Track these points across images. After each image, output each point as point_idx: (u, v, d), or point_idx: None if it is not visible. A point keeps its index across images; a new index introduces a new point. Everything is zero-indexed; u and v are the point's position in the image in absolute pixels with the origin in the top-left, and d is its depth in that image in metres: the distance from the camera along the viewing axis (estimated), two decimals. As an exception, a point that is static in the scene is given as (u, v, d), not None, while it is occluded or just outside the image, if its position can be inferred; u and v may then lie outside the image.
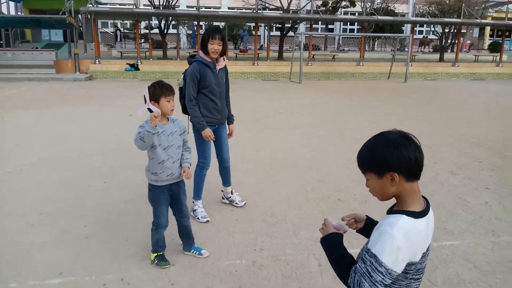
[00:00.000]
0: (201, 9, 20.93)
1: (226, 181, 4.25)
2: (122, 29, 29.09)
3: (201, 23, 22.62)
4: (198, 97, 3.77)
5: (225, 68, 3.92)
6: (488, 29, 36.19)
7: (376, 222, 1.54)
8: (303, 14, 24.53)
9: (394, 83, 18.48)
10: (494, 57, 25.90)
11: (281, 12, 23.73)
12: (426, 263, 1.44)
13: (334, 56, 24.28)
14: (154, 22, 25.65)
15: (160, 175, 2.86)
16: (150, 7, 22.39)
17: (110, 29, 31.51)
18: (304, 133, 7.83)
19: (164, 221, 2.98)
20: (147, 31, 27.90)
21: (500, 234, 3.72)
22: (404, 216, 1.35)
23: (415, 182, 1.41)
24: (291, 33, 25.41)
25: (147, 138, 2.68)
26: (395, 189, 1.40)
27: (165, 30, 22.41)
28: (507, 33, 29.72)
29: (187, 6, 29.41)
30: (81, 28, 20.95)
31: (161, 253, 3.07)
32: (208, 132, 3.70)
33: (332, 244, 1.52)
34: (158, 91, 2.79)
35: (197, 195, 3.96)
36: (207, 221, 3.83)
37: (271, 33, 27.94)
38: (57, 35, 31.30)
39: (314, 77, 19.99)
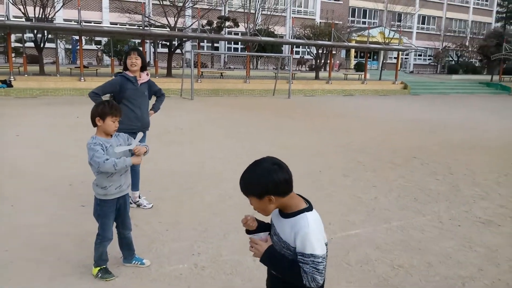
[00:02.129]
0: (82, 23, 19.97)
1: (134, 185, 4.47)
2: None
3: (83, 38, 21.51)
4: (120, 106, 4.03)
5: (148, 82, 4.42)
6: (353, 50, 41.05)
7: (263, 223, 1.82)
8: (190, 33, 25.02)
9: (279, 99, 19.93)
10: (360, 75, 29.54)
11: (168, 29, 23.85)
12: None
13: (221, 73, 25.15)
14: (28, 35, 23.59)
15: (109, 188, 2.93)
16: (23, 19, 20.57)
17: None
18: (209, 147, 8.16)
19: (110, 234, 3.03)
20: (18, 44, 25.52)
21: (390, 221, 4.52)
22: (306, 213, 1.66)
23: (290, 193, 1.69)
24: (178, 50, 25.64)
25: (120, 167, 2.82)
26: (275, 206, 1.67)
27: (42, 44, 20.79)
28: (369, 55, 34.18)
29: (64, 20, 27.65)
30: None
31: (104, 266, 3.11)
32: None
33: (273, 257, 1.67)
34: (107, 109, 2.87)
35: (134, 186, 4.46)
36: (152, 206, 4.63)
37: (158, 50, 27.78)
38: None
39: (205, 94, 20.49)
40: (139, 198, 4.64)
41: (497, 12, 54.33)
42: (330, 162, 7.24)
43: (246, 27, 28.70)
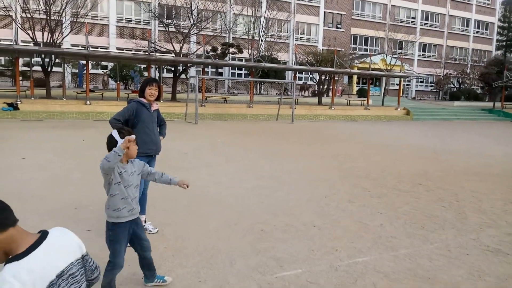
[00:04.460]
0: (90, 49, 20.36)
1: (141, 209, 4.47)
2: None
3: (90, 62, 21.89)
4: (135, 131, 4.13)
5: (157, 110, 4.65)
6: (355, 77, 41.51)
7: None
8: (195, 58, 25.43)
9: (282, 123, 20.04)
10: (362, 101, 29.76)
11: (174, 55, 24.27)
12: (76, 280, 1.60)
13: (226, 98, 25.41)
14: (36, 59, 24.01)
15: (122, 210, 2.95)
16: (31, 44, 20.99)
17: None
18: (213, 172, 8.17)
19: (121, 261, 3.01)
20: (26, 68, 25.97)
21: (398, 249, 4.48)
22: (6, 266, 1.42)
23: (11, 229, 1.46)
24: (182, 75, 26.01)
25: (112, 158, 2.74)
26: None
27: (49, 68, 21.13)
28: (371, 81, 34.53)
29: (72, 45, 28.19)
30: None
31: None
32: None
33: None
34: (128, 135, 2.94)
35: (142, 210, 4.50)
36: (157, 230, 4.66)
37: (163, 75, 28.20)
38: None
39: (209, 118, 20.64)
40: (145, 222, 4.67)
41: (497, 40, 55.16)
42: (335, 187, 7.22)
43: (250, 53, 29.15)
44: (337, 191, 6.96)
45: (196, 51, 27.94)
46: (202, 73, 24.65)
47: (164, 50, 25.82)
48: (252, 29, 33.19)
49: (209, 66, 33.91)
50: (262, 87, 35.75)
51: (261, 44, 33.39)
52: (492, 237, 4.97)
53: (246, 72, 34.98)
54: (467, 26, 51.68)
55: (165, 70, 30.13)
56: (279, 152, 11.06)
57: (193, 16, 25.25)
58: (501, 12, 56.37)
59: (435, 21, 49.36)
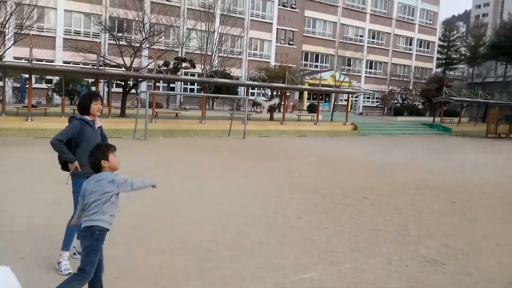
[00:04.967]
0: (33, 62, 19.49)
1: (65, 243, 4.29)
2: None
3: (33, 76, 20.94)
4: (79, 150, 4.08)
5: (101, 127, 4.45)
6: (306, 93, 42.60)
7: None
8: (146, 73, 25.05)
9: (234, 139, 20.10)
10: (312, 116, 30.54)
11: (124, 69, 23.77)
12: None
13: (177, 114, 25.14)
14: (-28, 72, 22.62)
15: (112, 217, 3.13)
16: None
17: None
18: (162, 190, 7.98)
19: (93, 272, 2.98)
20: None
21: (342, 263, 4.61)
22: None
23: None
24: (133, 90, 25.49)
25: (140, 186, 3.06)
26: None
27: (-12, 82, 19.98)
28: (321, 97, 35.58)
29: (15, 58, 26.86)
30: None
31: None
32: (76, 164, 4.04)
33: None
34: (106, 150, 3.14)
35: (66, 245, 4.09)
36: (69, 273, 3.81)
37: (112, 90, 27.48)
38: None
39: (159, 134, 20.29)
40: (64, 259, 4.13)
41: (437, 58, 59.25)
42: (284, 203, 7.32)
43: (202, 68, 29.17)
44: (286, 207, 7.06)
45: (148, 65, 27.55)
46: (154, 88, 24.34)
47: (114, 64, 25.23)
48: (205, 44, 33.27)
49: (161, 81, 33.52)
50: (215, 103, 35.77)
51: (214, 59, 33.51)
52: (430, 248, 5.24)
53: (198, 87, 34.88)
54: (410, 44, 54.87)
55: (114, 84, 29.41)
56: (230, 168, 11.08)
57: (145, 30, 24.96)
58: (441, 32, 60.60)
59: (381, 40, 52.02)
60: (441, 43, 58.37)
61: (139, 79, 24.85)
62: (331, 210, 6.97)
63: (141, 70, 26.38)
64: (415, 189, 9.27)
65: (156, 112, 23.47)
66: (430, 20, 56.76)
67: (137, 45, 24.50)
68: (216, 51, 33.80)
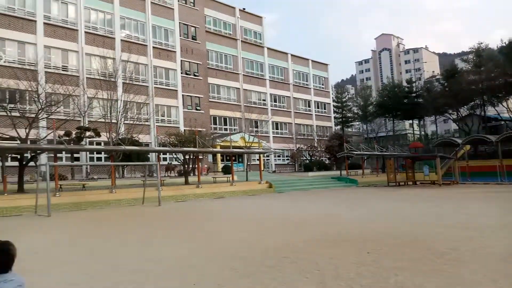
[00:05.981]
0: None
1: None
2: None
3: None
4: None
5: None
6: (219, 155, 42.99)
7: None
8: (46, 144, 23.38)
9: (149, 207, 19.26)
10: (228, 177, 30.72)
11: (19, 142, 21.95)
12: None
13: (84, 185, 23.57)
14: None
15: None
16: None
17: None
18: (69, 270, 7.23)
19: None
20: None
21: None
22: None
23: None
24: (31, 163, 23.49)
25: None
26: None
27: None
28: (234, 158, 36.14)
29: None
30: None
31: None
32: None
33: None
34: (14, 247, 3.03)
35: None
36: None
37: (7, 164, 25.01)
38: None
39: (65, 208, 18.74)
40: None
41: (335, 117, 64.92)
42: (204, 272, 7.01)
43: (108, 136, 28.13)
44: (206, 276, 6.75)
45: (46, 136, 25.78)
46: (55, 160, 22.64)
47: (7, 136, 23.20)
48: (109, 112, 32.40)
49: (63, 152, 31.52)
50: (125, 170, 34.34)
51: (120, 127, 32.62)
52: (351, 301, 5.31)
53: (106, 155, 33.38)
54: (309, 106, 59.50)
55: (9, 158, 26.87)
56: (145, 239, 10.45)
57: (41, 100, 23.64)
58: (334, 94, 67.20)
59: (283, 103, 55.65)
60: (336, 103, 64.60)
61: (38, 151, 23.08)
62: (252, 274, 6.81)
63: (39, 142, 24.58)
64: (331, 241, 9.53)
65: (60, 185, 21.73)
66: (322, 84, 62.66)
67: (33, 116, 23.02)
68: (121, 118, 33.08)
